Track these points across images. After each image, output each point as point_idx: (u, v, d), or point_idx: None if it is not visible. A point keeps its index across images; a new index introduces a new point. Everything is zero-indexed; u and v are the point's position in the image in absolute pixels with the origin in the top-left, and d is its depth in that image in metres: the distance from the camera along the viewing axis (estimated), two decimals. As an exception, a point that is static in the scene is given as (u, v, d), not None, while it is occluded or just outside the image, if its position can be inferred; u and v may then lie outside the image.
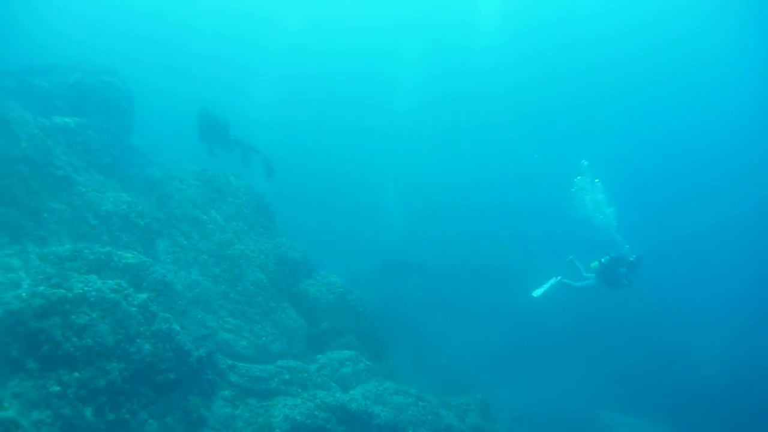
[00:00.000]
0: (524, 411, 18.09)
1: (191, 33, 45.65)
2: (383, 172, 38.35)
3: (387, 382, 11.56)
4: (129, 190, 12.52)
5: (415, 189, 37.40)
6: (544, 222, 33.47)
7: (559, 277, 15.25)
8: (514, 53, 45.16)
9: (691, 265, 32.64)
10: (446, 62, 47.72)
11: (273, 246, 13.54)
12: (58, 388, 6.95)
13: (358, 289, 14.29)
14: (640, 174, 40.54)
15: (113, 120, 14.61)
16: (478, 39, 44.70)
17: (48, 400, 6.84)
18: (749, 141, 41.44)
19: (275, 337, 11.70)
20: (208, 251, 12.24)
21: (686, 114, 45.34)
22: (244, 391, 9.57)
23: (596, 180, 18.12)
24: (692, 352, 22.30)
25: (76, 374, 7.16)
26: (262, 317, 11.88)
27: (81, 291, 7.72)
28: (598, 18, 43.45)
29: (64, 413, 6.86)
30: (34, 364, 6.99)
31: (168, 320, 8.53)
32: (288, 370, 10.38)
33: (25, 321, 7.13)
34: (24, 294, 7.36)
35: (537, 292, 15.22)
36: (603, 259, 14.42)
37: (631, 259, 14.18)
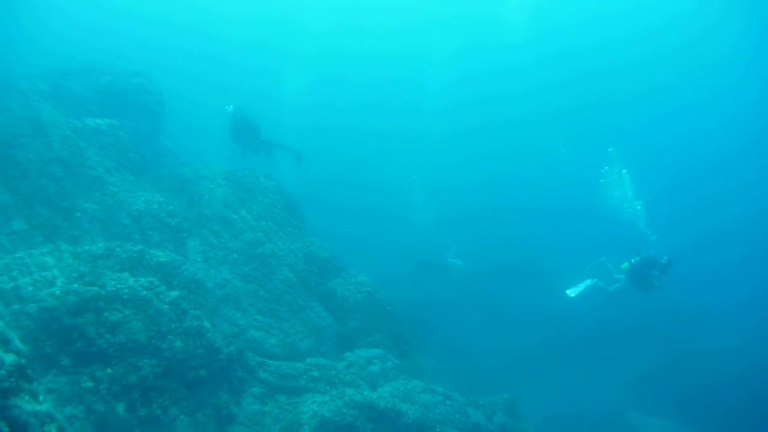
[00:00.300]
0: (552, 411, 17.84)
1: (216, 39, 46.13)
2: (412, 172, 38.10)
3: (414, 380, 11.48)
4: (160, 190, 12.69)
5: (444, 188, 37.12)
6: (571, 220, 32.97)
7: (595, 280, 15.10)
8: (541, 49, 44.65)
9: (713, 263, 31.78)
10: (474, 59, 47.28)
11: (302, 245, 13.58)
12: (90, 384, 7.07)
13: (387, 289, 14.25)
14: (667, 170, 39.67)
15: (144, 121, 14.83)
16: (505, 35, 44.29)
17: (81, 396, 6.96)
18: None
19: (304, 335, 11.74)
20: (238, 250, 12.33)
21: (711, 112, 44.34)
22: (274, 388, 9.60)
23: (624, 171, 17.79)
24: (719, 351, 21.71)
25: (109, 370, 7.28)
26: (291, 315, 11.93)
27: (114, 288, 7.85)
28: (625, 13, 42.77)
29: (97, 408, 6.98)
30: (67, 360, 7.12)
31: (199, 317, 8.62)
32: (317, 368, 10.40)
33: (59, 318, 7.27)
34: (58, 291, 7.51)
35: (572, 292, 15.03)
36: (633, 260, 14.16)
37: (663, 261, 13.90)
